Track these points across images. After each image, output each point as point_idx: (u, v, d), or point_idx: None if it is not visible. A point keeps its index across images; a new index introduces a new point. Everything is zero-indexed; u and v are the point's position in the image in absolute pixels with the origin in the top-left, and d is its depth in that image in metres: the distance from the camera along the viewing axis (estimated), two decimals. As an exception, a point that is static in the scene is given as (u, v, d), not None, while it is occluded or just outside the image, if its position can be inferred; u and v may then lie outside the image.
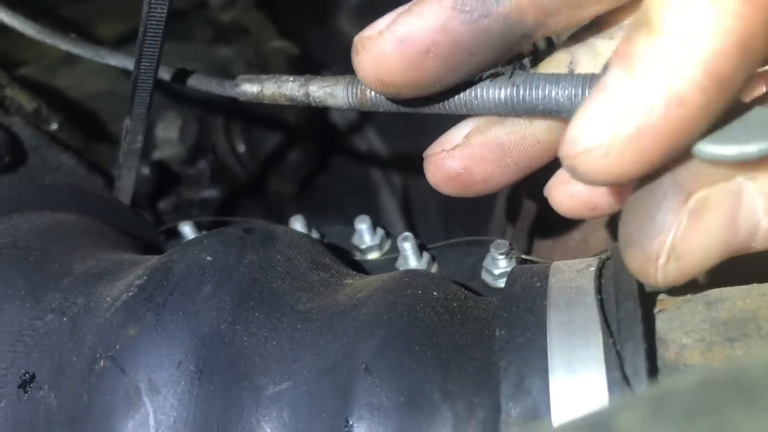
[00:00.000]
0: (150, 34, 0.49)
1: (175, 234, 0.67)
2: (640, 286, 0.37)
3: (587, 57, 0.41)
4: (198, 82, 0.53)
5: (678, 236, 0.33)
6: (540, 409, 0.35)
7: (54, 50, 0.77)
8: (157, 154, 0.80)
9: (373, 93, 0.43)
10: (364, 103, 0.43)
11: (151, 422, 0.39)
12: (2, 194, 0.56)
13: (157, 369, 0.40)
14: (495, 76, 0.40)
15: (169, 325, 0.41)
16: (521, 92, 0.39)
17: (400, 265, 0.55)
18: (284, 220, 0.62)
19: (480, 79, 0.40)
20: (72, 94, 0.76)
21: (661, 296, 0.39)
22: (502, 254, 0.51)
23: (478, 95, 0.40)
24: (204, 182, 0.84)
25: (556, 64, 0.42)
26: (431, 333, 0.39)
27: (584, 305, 0.37)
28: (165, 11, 0.48)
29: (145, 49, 0.50)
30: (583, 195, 0.42)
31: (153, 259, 0.46)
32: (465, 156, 0.42)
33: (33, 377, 0.42)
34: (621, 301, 0.36)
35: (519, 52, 0.39)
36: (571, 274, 0.39)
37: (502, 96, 0.40)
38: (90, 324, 0.43)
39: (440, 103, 0.41)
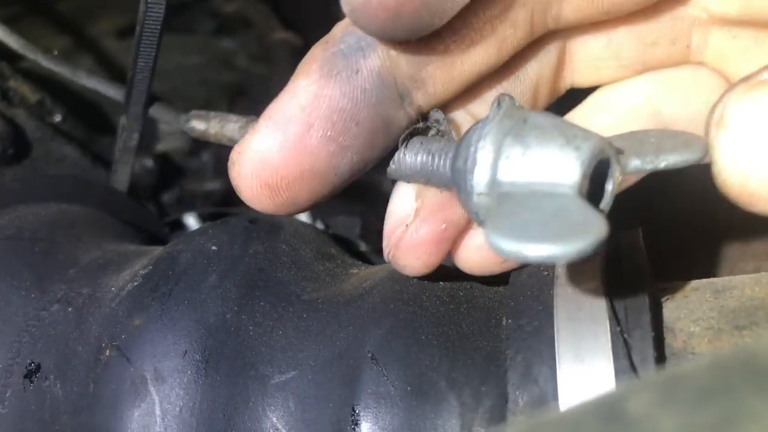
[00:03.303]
0: (147, 32, 0.49)
1: (179, 226, 0.67)
2: (648, 274, 0.37)
3: (468, 123, 0.39)
4: (157, 112, 0.53)
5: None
6: (547, 397, 0.35)
7: (57, 42, 0.77)
8: (161, 147, 0.80)
9: None
10: None
11: (157, 411, 0.39)
12: (7, 185, 0.56)
13: (162, 358, 0.40)
14: (412, 135, 0.37)
15: (174, 314, 0.41)
16: (436, 161, 0.36)
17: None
18: (288, 212, 0.61)
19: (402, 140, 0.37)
20: (75, 86, 0.76)
21: (669, 285, 0.39)
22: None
23: (395, 159, 0.37)
24: (207, 174, 0.84)
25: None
26: (437, 322, 0.39)
27: (591, 294, 0.37)
28: (162, 9, 0.48)
29: (141, 48, 0.50)
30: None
31: (158, 250, 0.46)
32: (436, 215, 0.38)
33: (39, 367, 0.42)
34: (628, 290, 0.36)
35: (411, 125, 0.36)
36: (578, 263, 0.39)
37: (418, 163, 0.37)
38: (95, 314, 0.43)
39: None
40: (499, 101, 0.34)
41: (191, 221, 0.65)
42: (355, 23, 0.33)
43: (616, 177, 0.33)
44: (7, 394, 0.42)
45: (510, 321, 0.37)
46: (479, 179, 0.33)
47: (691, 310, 0.37)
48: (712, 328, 0.35)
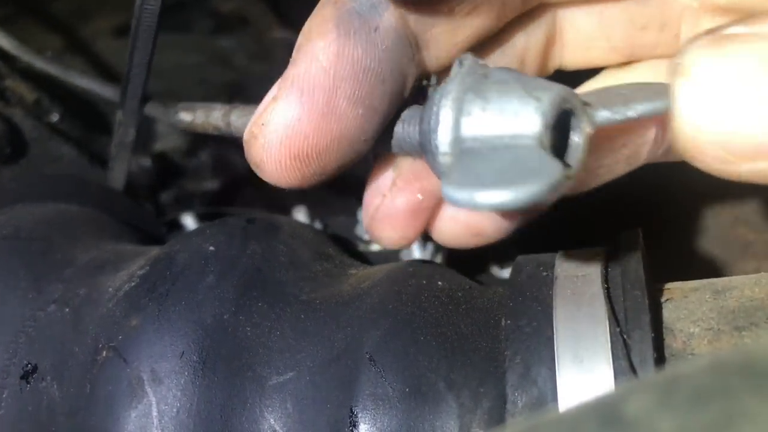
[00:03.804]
0: (143, 27, 0.49)
1: (177, 226, 0.66)
2: (648, 274, 0.37)
3: None
4: (152, 110, 0.53)
5: None
6: (546, 398, 0.34)
7: (53, 42, 0.77)
8: (158, 146, 0.80)
9: None
10: None
11: (154, 413, 0.38)
12: (4, 185, 0.56)
13: (159, 359, 0.39)
14: (419, 97, 0.36)
15: (171, 315, 0.40)
16: (406, 127, 0.35)
17: (404, 256, 0.55)
18: (287, 212, 0.61)
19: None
20: (73, 86, 0.76)
21: (669, 285, 0.39)
22: (506, 244, 0.51)
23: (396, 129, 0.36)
24: (206, 174, 0.83)
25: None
26: (436, 323, 0.39)
27: (591, 294, 0.36)
28: (158, 4, 0.48)
29: (138, 43, 0.50)
30: (465, 219, 0.39)
31: (155, 250, 0.46)
32: (412, 185, 0.37)
33: (35, 368, 0.42)
34: (628, 290, 0.36)
35: (415, 87, 0.36)
36: (578, 264, 0.39)
37: (393, 132, 0.35)
38: (92, 314, 0.43)
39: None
40: (461, 60, 0.33)
41: (189, 221, 0.65)
42: None
43: (584, 129, 0.32)
44: (4, 395, 0.42)
45: (509, 322, 0.37)
46: (442, 138, 0.32)
47: (691, 310, 0.37)
48: (711, 329, 0.35)
